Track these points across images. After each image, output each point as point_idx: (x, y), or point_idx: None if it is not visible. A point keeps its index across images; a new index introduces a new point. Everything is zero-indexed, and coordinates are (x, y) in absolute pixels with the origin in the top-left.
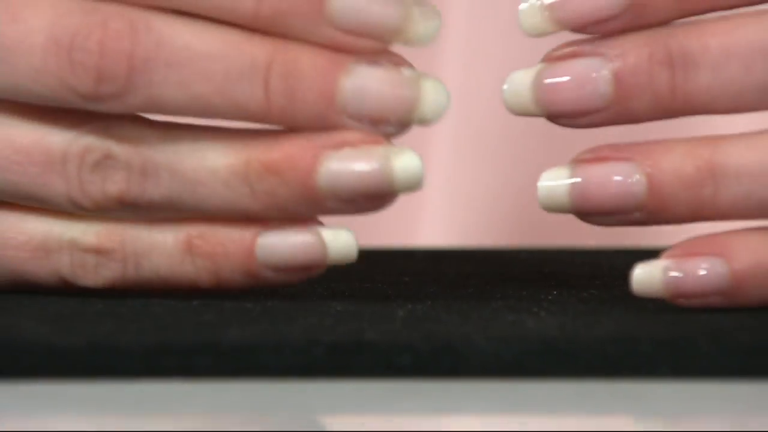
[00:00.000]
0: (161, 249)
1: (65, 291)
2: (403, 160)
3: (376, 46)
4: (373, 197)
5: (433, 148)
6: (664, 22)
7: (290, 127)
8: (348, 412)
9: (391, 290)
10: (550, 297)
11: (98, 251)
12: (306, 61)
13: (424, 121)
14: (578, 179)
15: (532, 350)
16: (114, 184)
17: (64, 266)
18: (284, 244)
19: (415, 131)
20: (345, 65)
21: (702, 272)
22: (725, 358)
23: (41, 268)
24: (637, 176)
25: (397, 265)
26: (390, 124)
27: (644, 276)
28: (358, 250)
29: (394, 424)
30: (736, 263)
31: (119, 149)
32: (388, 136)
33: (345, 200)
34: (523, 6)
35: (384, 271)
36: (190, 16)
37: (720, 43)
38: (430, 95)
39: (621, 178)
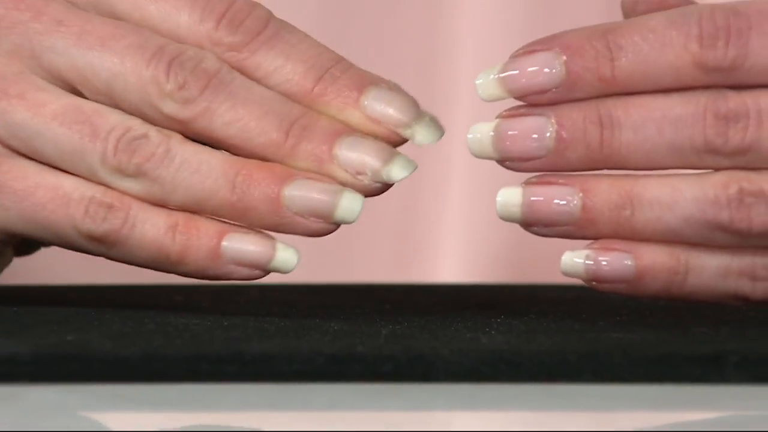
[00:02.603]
0: (154, 222)
1: (63, 246)
2: (347, 198)
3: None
4: (320, 217)
5: (447, 189)
6: (590, 98)
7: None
8: (343, 409)
9: (376, 315)
10: (498, 320)
11: (110, 207)
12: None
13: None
14: (532, 198)
15: (485, 360)
16: (139, 157)
17: (78, 214)
18: (245, 240)
19: (430, 170)
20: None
21: (614, 263)
22: (633, 367)
23: (58, 214)
24: (574, 196)
25: (380, 297)
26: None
27: (570, 263)
28: (297, 265)
29: (379, 419)
30: (640, 259)
31: (155, 134)
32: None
33: (298, 214)
34: (478, 79)
35: (370, 300)
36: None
37: (639, 111)
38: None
39: (562, 197)
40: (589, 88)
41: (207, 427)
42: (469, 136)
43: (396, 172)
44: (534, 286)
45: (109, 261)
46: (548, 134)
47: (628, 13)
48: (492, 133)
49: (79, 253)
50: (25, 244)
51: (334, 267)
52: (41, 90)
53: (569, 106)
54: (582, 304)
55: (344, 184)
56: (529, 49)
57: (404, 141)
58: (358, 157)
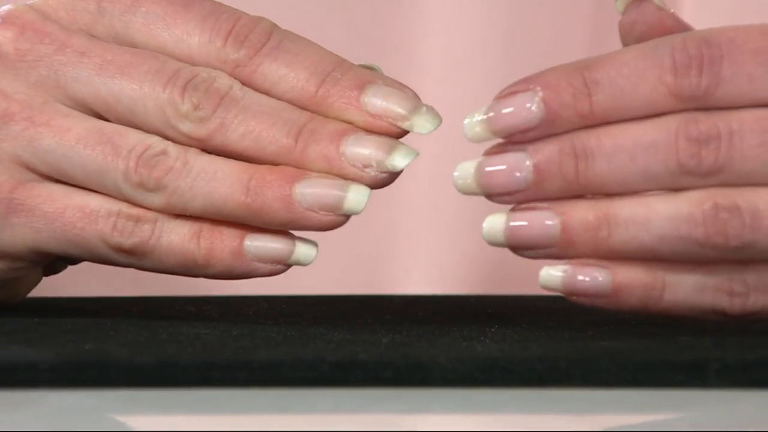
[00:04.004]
0: (179, 230)
1: (95, 261)
2: (354, 190)
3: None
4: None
5: (413, 206)
6: (569, 131)
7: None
8: (346, 412)
9: (377, 324)
10: (492, 329)
11: (137, 219)
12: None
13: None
14: (512, 223)
15: (480, 366)
16: (159, 171)
17: (107, 229)
18: (266, 238)
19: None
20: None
21: (589, 276)
22: (620, 373)
23: (88, 231)
24: (554, 221)
25: (380, 308)
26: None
27: (547, 276)
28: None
29: (380, 421)
30: (616, 276)
31: (173, 149)
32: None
33: (309, 209)
34: (466, 120)
35: (371, 311)
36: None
37: (611, 140)
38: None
39: (543, 222)
40: (568, 124)
41: (218, 429)
42: (455, 174)
43: (398, 160)
44: (526, 297)
45: (123, 275)
46: (526, 168)
47: (626, 33)
48: (475, 171)
49: (95, 268)
50: (53, 264)
51: (327, 280)
52: (66, 116)
53: (545, 141)
54: (571, 314)
55: (354, 179)
56: (509, 91)
57: (405, 133)
58: (363, 151)
